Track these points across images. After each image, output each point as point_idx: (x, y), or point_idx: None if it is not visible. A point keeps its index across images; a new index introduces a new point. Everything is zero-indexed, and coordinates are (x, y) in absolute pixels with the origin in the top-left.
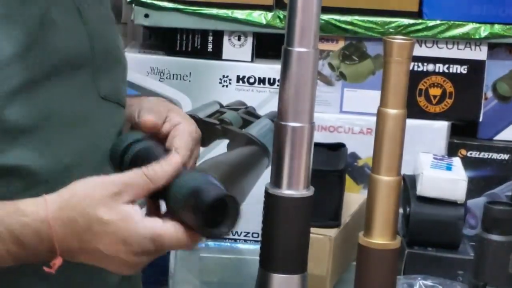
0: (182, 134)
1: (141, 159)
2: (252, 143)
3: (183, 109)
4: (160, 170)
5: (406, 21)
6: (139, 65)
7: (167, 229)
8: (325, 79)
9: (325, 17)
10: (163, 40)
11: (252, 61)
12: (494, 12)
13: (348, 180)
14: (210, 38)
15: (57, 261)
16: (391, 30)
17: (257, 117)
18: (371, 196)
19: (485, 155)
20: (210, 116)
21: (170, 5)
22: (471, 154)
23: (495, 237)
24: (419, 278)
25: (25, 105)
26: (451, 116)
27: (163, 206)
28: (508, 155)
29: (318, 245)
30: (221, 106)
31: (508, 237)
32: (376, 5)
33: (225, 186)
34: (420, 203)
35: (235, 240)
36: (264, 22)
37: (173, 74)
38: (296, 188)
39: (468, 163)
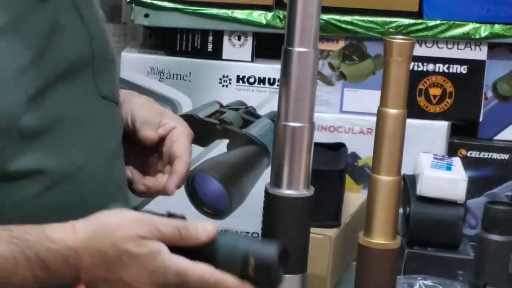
0: (181, 139)
1: None
2: (252, 143)
3: (183, 109)
4: (194, 233)
5: (406, 21)
6: (139, 65)
7: (195, 266)
8: (325, 79)
9: (325, 17)
10: (163, 40)
11: (252, 61)
12: (494, 12)
13: (348, 180)
14: (210, 38)
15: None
16: (391, 30)
17: (257, 117)
18: (371, 196)
19: (485, 155)
20: (210, 116)
21: (170, 5)
22: (471, 154)
23: (495, 237)
24: (419, 278)
25: (38, 110)
26: (451, 116)
27: None
28: (508, 155)
29: (318, 245)
30: (221, 106)
31: (508, 237)
32: (376, 5)
33: (225, 185)
34: (420, 203)
35: None
36: (264, 22)
37: (173, 74)
38: (296, 188)
39: (468, 163)
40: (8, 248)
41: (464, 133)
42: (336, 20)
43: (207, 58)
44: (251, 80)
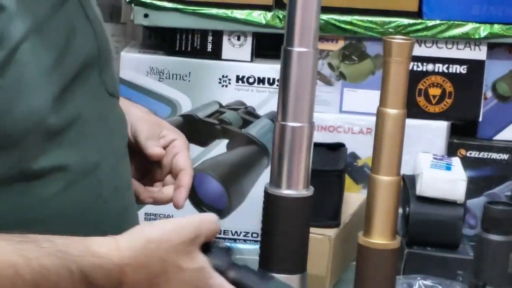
0: (182, 151)
1: None
2: (252, 143)
3: (182, 109)
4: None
5: (405, 21)
6: (139, 65)
7: None
8: (324, 79)
9: (325, 17)
10: (162, 40)
11: (251, 61)
12: (493, 12)
13: (348, 180)
14: (210, 38)
15: None
16: (390, 30)
17: (257, 117)
18: (371, 196)
19: (484, 155)
20: (209, 116)
21: (170, 5)
22: (470, 154)
23: (494, 237)
24: (418, 278)
25: (61, 109)
26: (450, 116)
27: None
28: (508, 155)
29: (317, 245)
30: (221, 106)
31: (508, 237)
32: (375, 5)
33: (225, 185)
34: (419, 203)
35: (235, 240)
36: (263, 22)
37: (173, 74)
38: (295, 188)
39: (467, 163)
40: (52, 261)
41: (464, 133)
42: (335, 20)
43: (207, 58)
44: (251, 80)
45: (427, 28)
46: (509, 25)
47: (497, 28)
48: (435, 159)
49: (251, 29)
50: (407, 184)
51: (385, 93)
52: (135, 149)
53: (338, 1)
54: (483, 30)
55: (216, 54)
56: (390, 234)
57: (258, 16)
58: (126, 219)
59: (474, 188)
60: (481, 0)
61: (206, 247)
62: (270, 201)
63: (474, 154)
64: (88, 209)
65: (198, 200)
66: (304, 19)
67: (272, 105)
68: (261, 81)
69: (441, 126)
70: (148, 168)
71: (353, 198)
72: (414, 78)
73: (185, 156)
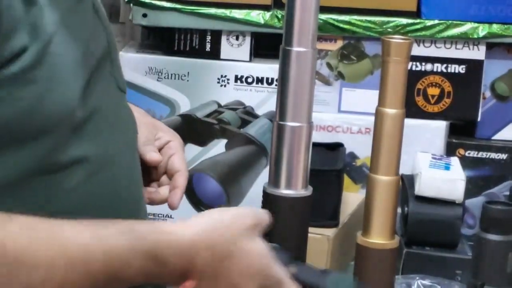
0: (177, 152)
1: None
2: (251, 142)
3: (181, 109)
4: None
5: (404, 20)
6: (137, 65)
7: (290, 282)
8: (323, 78)
9: (323, 16)
10: (161, 40)
11: (250, 60)
12: (492, 12)
13: (347, 180)
14: (208, 38)
15: (189, 284)
16: (389, 29)
17: (255, 116)
18: (369, 195)
19: (483, 154)
20: (208, 116)
21: (168, 4)
22: (469, 153)
23: (493, 237)
24: (417, 278)
25: (85, 102)
26: (449, 116)
27: None
28: (506, 155)
29: (316, 244)
30: (219, 105)
31: (506, 237)
32: (374, 5)
33: (223, 185)
34: (418, 202)
35: None
36: (262, 21)
37: (171, 74)
38: (294, 188)
39: (466, 162)
40: (121, 240)
41: (463, 133)
42: (334, 20)
43: (205, 58)
44: (249, 80)
45: (426, 28)
46: (507, 24)
47: (495, 28)
48: (434, 159)
49: (249, 29)
50: (406, 183)
51: (383, 93)
52: None
53: (336, 0)
54: (482, 30)
55: (214, 54)
56: (389, 234)
57: (256, 16)
58: (139, 212)
59: (473, 187)
60: (479, 0)
61: None
62: (269, 201)
63: (472, 154)
64: (105, 201)
65: (197, 200)
66: (303, 19)
67: (270, 105)
68: (259, 81)
69: (440, 126)
70: (144, 169)
71: (352, 198)
72: (413, 78)
73: (180, 157)
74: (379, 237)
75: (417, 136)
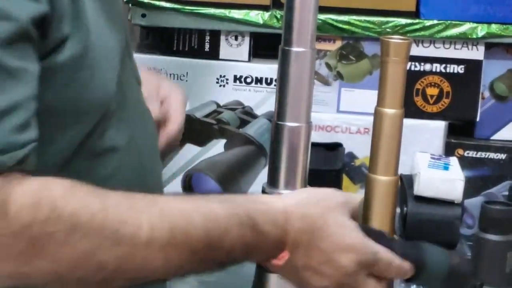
0: (175, 104)
1: None
2: (249, 143)
3: None
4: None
5: (403, 20)
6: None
7: (385, 251)
8: (322, 79)
9: (322, 16)
10: (160, 40)
11: (249, 61)
12: (491, 12)
13: (345, 180)
14: (207, 38)
15: (285, 254)
16: (388, 29)
17: (254, 117)
18: (368, 196)
19: (482, 154)
20: (207, 116)
21: (167, 4)
22: (468, 153)
23: (492, 237)
24: None
25: (118, 90)
26: (448, 116)
27: None
28: (505, 155)
29: None
30: (218, 106)
31: (505, 237)
32: (373, 5)
33: (222, 185)
34: (417, 202)
35: None
36: (261, 22)
37: (170, 74)
38: (293, 188)
39: (465, 162)
40: (219, 207)
41: (461, 133)
42: (333, 20)
43: (204, 58)
44: (248, 80)
45: (425, 28)
46: (506, 25)
47: (494, 28)
48: (433, 159)
49: (248, 29)
50: (405, 184)
51: (382, 93)
52: None
53: (335, 1)
54: (481, 30)
55: (213, 54)
56: (388, 234)
57: (255, 16)
58: None
59: (472, 187)
60: (478, 0)
61: None
62: None
63: (471, 154)
64: (134, 189)
65: None
66: (302, 19)
67: (269, 105)
68: (258, 81)
69: (439, 126)
70: None
71: None
72: (412, 78)
73: (177, 108)
74: None
75: (416, 136)
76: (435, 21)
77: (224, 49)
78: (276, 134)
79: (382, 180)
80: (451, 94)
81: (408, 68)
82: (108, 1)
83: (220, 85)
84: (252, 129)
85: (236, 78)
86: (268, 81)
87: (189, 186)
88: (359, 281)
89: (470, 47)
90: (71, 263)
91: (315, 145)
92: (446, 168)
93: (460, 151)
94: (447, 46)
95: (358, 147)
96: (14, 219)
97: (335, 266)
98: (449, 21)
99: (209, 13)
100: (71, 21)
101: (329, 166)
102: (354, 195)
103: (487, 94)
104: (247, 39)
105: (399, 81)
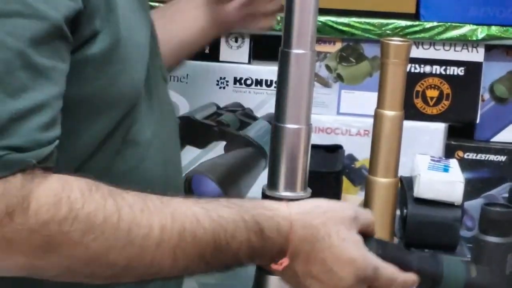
0: None
1: None
2: (249, 144)
3: (180, 111)
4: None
5: (403, 22)
6: None
7: (387, 267)
8: (322, 80)
9: (322, 18)
10: None
11: (249, 63)
12: (491, 14)
13: (345, 182)
14: None
15: (285, 261)
16: (388, 31)
17: (254, 118)
18: (368, 197)
19: (482, 156)
20: (207, 118)
21: None
22: (468, 155)
23: (492, 239)
24: None
25: (144, 86)
26: (448, 118)
27: None
28: (505, 157)
29: None
30: (218, 107)
31: (505, 239)
32: (373, 7)
33: (222, 187)
34: (417, 204)
35: None
36: None
37: (171, 76)
38: (293, 190)
39: (465, 164)
40: (227, 212)
41: (461, 135)
42: (333, 22)
43: (205, 60)
44: (248, 82)
45: (425, 30)
46: (506, 27)
47: (494, 30)
48: (433, 161)
49: (248, 31)
50: (405, 186)
51: (382, 95)
52: None
53: (335, 3)
54: (481, 32)
55: (214, 56)
56: (388, 236)
57: None
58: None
59: (472, 190)
60: (478, 2)
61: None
62: None
63: (471, 156)
64: (153, 185)
65: None
66: (302, 21)
67: (269, 107)
68: (258, 83)
69: (439, 128)
70: None
71: (351, 200)
72: (412, 80)
73: None
74: None
75: (416, 138)
76: (435, 23)
77: (224, 51)
78: (276, 136)
79: (382, 182)
80: (451, 96)
81: (408, 70)
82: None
83: (220, 87)
84: (252, 131)
85: (236, 80)
86: (268, 83)
87: (189, 188)
88: None
89: (470, 49)
90: (83, 261)
91: (315, 147)
92: (446, 170)
93: (460, 153)
94: (447, 48)
95: (358, 149)
96: (33, 216)
97: (334, 278)
98: (449, 23)
99: None
100: (103, 15)
101: (329, 168)
102: (367, 212)
103: (487, 96)
104: (247, 41)
105: (399, 83)
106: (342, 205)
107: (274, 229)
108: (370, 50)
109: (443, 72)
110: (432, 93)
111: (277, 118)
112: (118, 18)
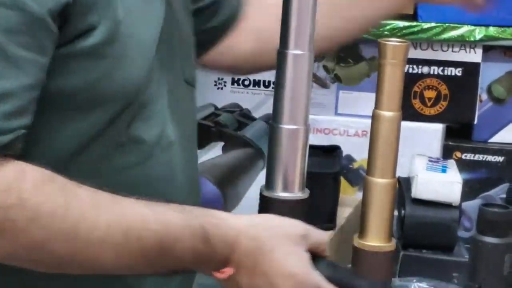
0: None
1: None
2: (247, 145)
3: None
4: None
5: (401, 23)
6: None
7: (331, 286)
8: (320, 81)
9: None
10: None
11: None
12: (488, 15)
13: (343, 183)
14: None
15: (228, 270)
16: (386, 32)
17: (252, 119)
18: (366, 198)
19: (480, 157)
20: (205, 118)
21: None
22: (466, 156)
23: (490, 239)
24: (414, 281)
25: (149, 85)
26: (446, 119)
27: None
28: (503, 157)
29: None
30: (216, 108)
31: (503, 239)
32: None
33: (220, 188)
34: (415, 205)
35: None
36: None
37: None
38: (291, 191)
39: (463, 165)
40: (175, 216)
41: (459, 136)
42: None
43: None
44: (246, 82)
45: (423, 31)
46: (504, 27)
47: (492, 30)
48: (431, 162)
49: None
50: (403, 186)
51: (380, 95)
52: None
53: None
54: (478, 33)
55: None
56: (386, 237)
57: None
58: (190, 196)
59: (469, 190)
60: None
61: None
62: (266, 204)
63: (469, 156)
64: (158, 185)
65: None
66: (299, 21)
67: (267, 108)
68: (256, 83)
69: (437, 129)
70: None
71: (349, 200)
72: (410, 80)
73: None
74: (376, 240)
75: (414, 138)
76: (433, 24)
77: None
78: (274, 137)
79: (380, 182)
80: (449, 97)
81: (406, 70)
82: None
83: (218, 88)
84: (250, 132)
85: (234, 81)
86: (266, 83)
87: None
88: None
89: (467, 49)
90: (26, 249)
91: (313, 147)
92: (443, 171)
93: (458, 154)
94: (445, 48)
95: (356, 149)
96: None
97: None
98: (447, 24)
99: None
100: (101, 11)
101: (327, 169)
102: (324, 233)
103: (484, 96)
104: None
105: (397, 83)
106: (293, 222)
107: (220, 237)
108: (368, 51)
109: (441, 73)
110: (430, 94)
111: (275, 118)
112: (118, 15)
